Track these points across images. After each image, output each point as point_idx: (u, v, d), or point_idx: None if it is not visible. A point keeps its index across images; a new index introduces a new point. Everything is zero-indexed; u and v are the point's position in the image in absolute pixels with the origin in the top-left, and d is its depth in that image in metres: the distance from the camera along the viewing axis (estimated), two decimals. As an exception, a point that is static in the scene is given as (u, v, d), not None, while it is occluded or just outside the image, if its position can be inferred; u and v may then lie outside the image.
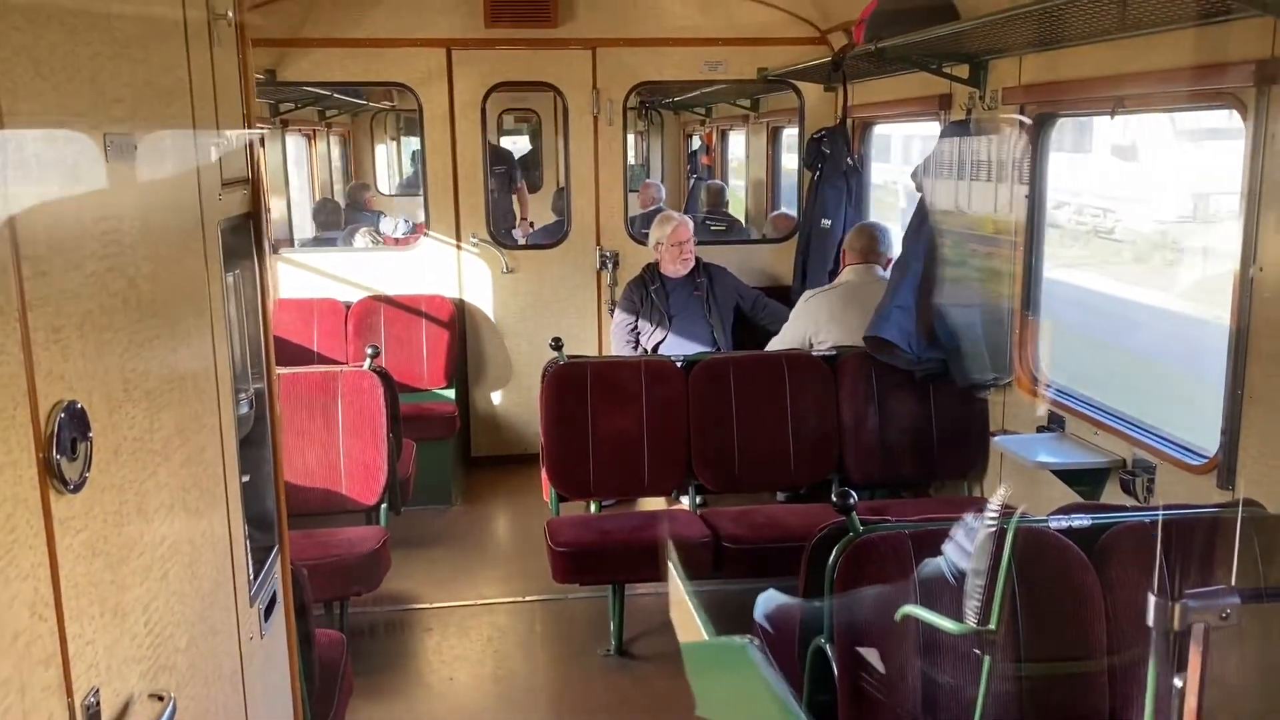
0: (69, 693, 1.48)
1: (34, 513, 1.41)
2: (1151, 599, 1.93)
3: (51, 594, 1.45)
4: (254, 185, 2.66)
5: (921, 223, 5.39)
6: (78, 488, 1.51)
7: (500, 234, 7.76)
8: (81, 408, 1.53)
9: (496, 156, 9.18)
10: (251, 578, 2.53)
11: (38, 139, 1.46)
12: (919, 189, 5.65)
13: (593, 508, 5.44)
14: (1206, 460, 3.72)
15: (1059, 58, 4.57)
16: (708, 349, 6.37)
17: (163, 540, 1.90)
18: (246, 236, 2.63)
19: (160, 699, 1.77)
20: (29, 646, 1.38)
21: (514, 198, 10.42)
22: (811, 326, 5.91)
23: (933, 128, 5.92)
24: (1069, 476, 4.43)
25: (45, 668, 1.42)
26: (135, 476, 1.77)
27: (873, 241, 6.06)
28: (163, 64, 2.00)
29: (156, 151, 1.94)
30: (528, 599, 5.57)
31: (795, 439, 5.37)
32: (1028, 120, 4.80)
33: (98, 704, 1.56)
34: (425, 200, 7.42)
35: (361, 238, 9.09)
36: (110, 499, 1.66)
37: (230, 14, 2.41)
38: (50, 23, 1.51)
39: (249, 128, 2.61)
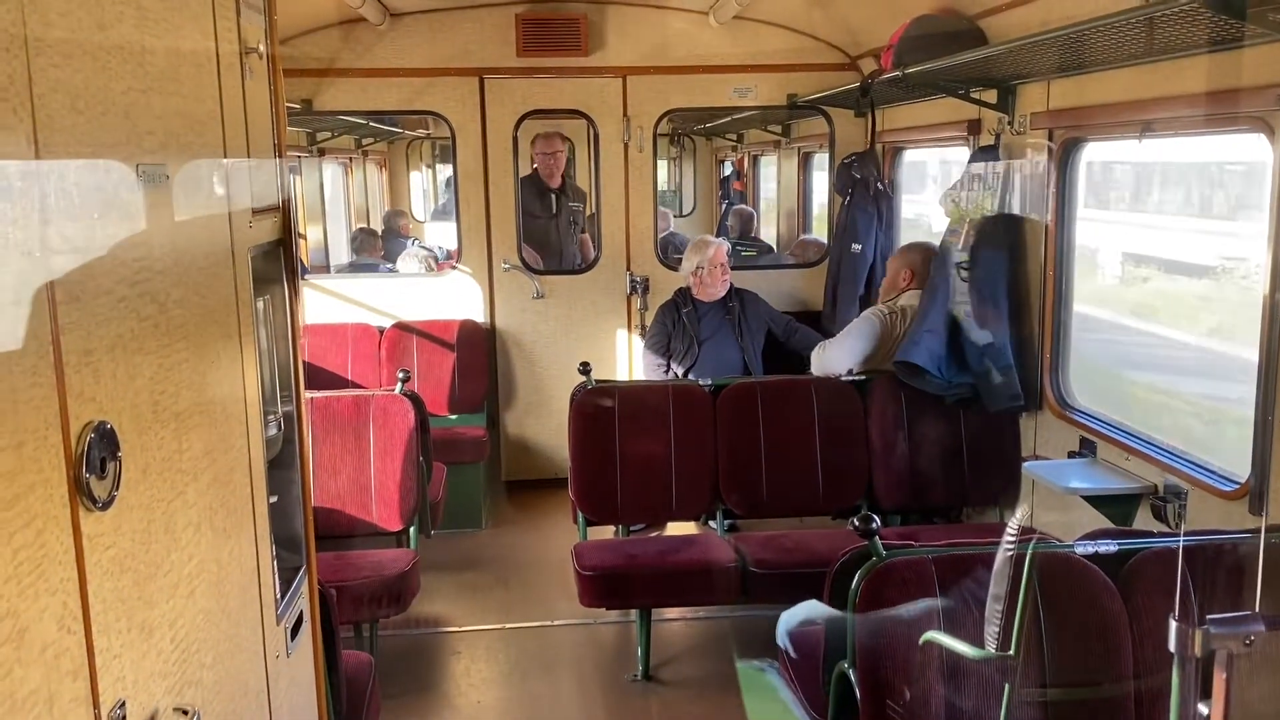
0: (95, 704, 1.53)
1: (64, 529, 1.46)
2: (1173, 624, 1.93)
3: (80, 608, 1.49)
4: (285, 212, 2.72)
5: (951, 247, 5.38)
6: (106, 505, 1.56)
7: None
8: (111, 428, 1.58)
9: (571, 193, 8.39)
10: (279, 597, 2.58)
11: (72, 170, 1.52)
12: (948, 214, 5.64)
13: (620, 532, 5.46)
14: (1238, 486, 3.68)
15: (1086, 82, 4.57)
16: (738, 374, 6.38)
17: (190, 558, 1.95)
18: (277, 262, 2.69)
19: (185, 713, 1.81)
20: (57, 659, 1.42)
21: (579, 238, 8.59)
22: (873, 346, 5.82)
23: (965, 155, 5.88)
24: (1100, 502, 4.40)
25: (73, 679, 1.47)
26: (163, 496, 1.82)
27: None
28: (195, 96, 2.07)
29: (188, 181, 2.01)
30: (556, 623, 5.58)
31: (824, 464, 5.36)
32: (1055, 145, 4.80)
33: (124, 716, 1.60)
34: (458, 226, 7.52)
35: (410, 260, 9.25)
36: (138, 517, 1.71)
37: (262, 47, 2.49)
38: (85, 59, 1.57)
39: (280, 157, 2.68)
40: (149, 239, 1.80)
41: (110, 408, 1.61)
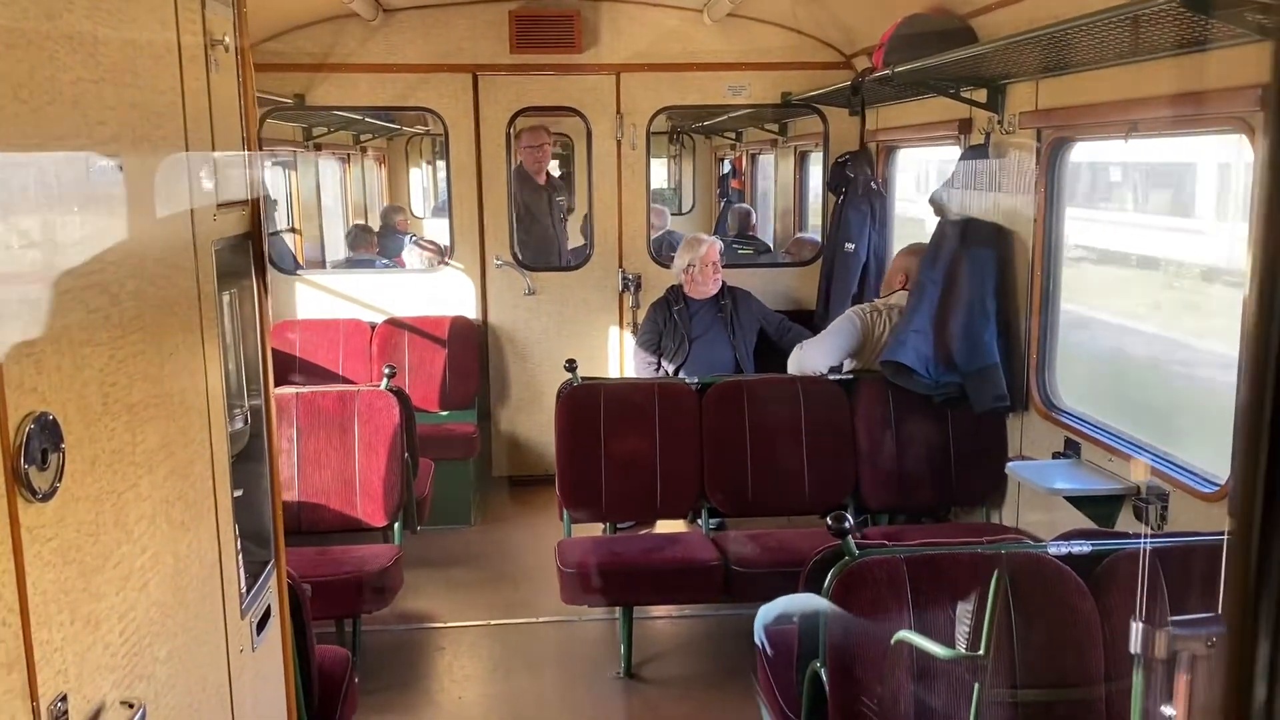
0: (34, 697, 1.52)
1: (0, 520, 1.45)
2: (1136, 625, 1.92)
3: (17, 600, 1.48)
4: (254, 206, 2.72)
5: (939, 247, 5.37)
6: (47, 497, 1.55)
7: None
8: (54, 419, 1.57)
9: (557, 186, 8.66)
10: (244, 591, 2.57)
11: (13, 161, 1.52)
12: (937, 213, 5.63)
13: (607, 530, 5.45)
14: (1218, 488, 3.67)
15: (1074, 82, 4.56)
16: (729, 372, 6.37)
17: (143, 550, 1.94)
18: (245, 255, 2.69)
19: (131, 706, 1.81)
20: None
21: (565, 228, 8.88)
22: (853, 344, 5.81)
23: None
24: (1083, 503, 4.38)
25: (8, 672, 1.46)
26: (114, 488, 1.82)
27: None
28: (153, 88, 2.06)
29: (145, 172, 2.00)
30: (540, 620, 5.58)
31: (810, 463, 5.35)
32: (1043, 144, 4.79)
33: (65, 710, 1.60)
34: (450, 222, 7.52)
35: (413, 254, 9.27)
36: (85, 509, 1.70)
37: (229, 39, 2.48)
38: (30, 49, 1.56)
39: (250, 150, 2.67)
40: (99, 230, 1.80)
41: (54, 398, 1.60)
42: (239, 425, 2.64)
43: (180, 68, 2.20)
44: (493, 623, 5.56)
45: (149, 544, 1.97)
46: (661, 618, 5.60)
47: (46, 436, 1.55)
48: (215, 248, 2.40)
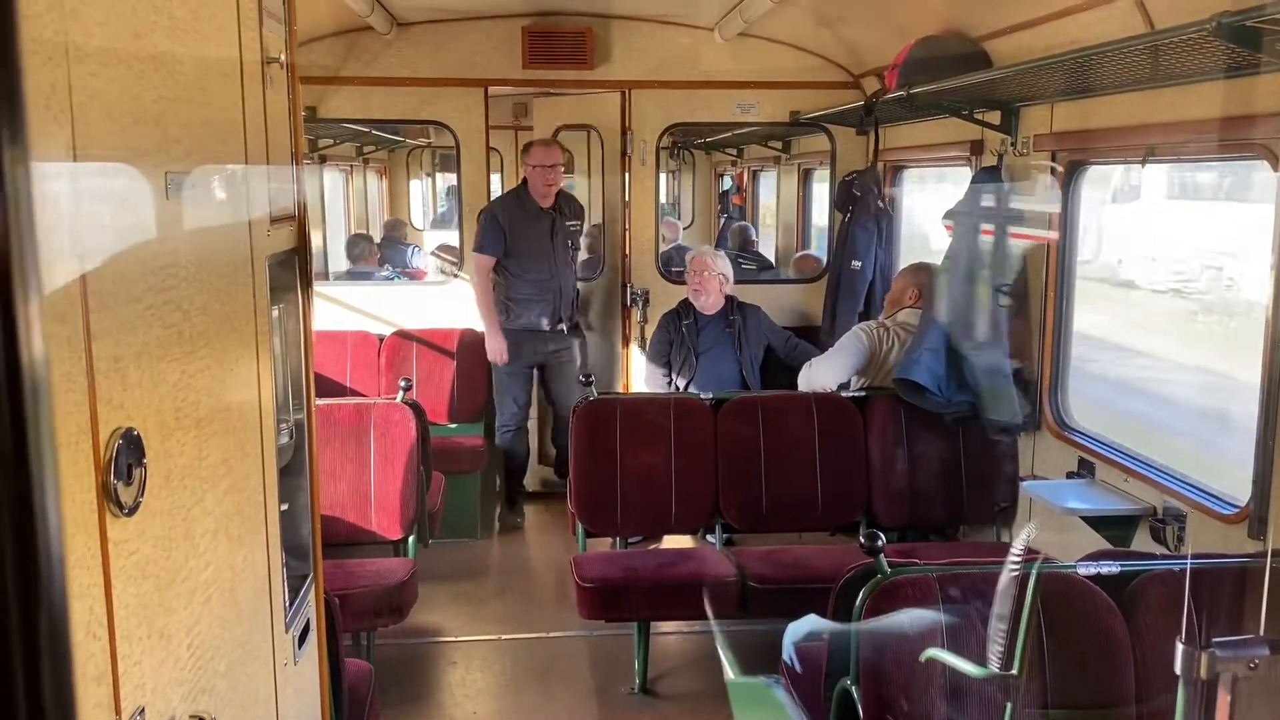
0: (118, 711, 1.53)
1: (91, 534, 1.46)
2: (1179, 646, 1.94)
3: (105, 614, 1.50)
4: (300, 221, 2.74)
5: (952, 266, 5.41)
6: (132, 511, 1.57)
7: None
8: (138, 434, 1.59)
9: (567, 209, 7.06)
10: (287, 605, 2.58)
11: (106, 177, 1.54)
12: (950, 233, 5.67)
13: (618, 544, 5.46)
14: (1238, 510, 3.70)
15: (1091, 106, 4.61)
16: (735, 388, 6.41)
17: (207, 565, 1.95)
18: (291, 270, 2.71)
19: None
20: (83, 664, 1.43)
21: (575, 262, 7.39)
22: (861, 362, 5.85)
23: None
24: (1099, 523, 4.42)
25: (97, 685, 1.47)
26: (184, 502, 1.83)
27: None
28: (220, 104, 2.08)
29: (211, 188, 2.02)
30: (553, 634, 5.58)
31: (823, 480, 5.38)
32: (1059, 167, 4.84)
33: None
34: (460, 235, 7.53)
35: (431, 262, 9.28)
36: (160, 523, 1.71)
37: (283, 56, 2.50)
38: (120, 68, 1.59)
39: (297, 164, 2.69)
40: (175, 246, 1.82)
41: (136, 414, 1.62)
42: (285, 439, 2.65)
43: (241, 84, 2.22)
44: (504, 637, 5.55)
45: (212, 558, 1.98)
46: (674, 633, 5.61)
47: (132, 451, 1.57)
48: (268, 262, 2.42)
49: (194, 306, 1.89)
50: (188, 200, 1.88)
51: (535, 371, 7.14)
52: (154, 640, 1.68)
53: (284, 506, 2.59)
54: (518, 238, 6.81)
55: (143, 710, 1.61)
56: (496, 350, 6.92)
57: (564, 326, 7.01)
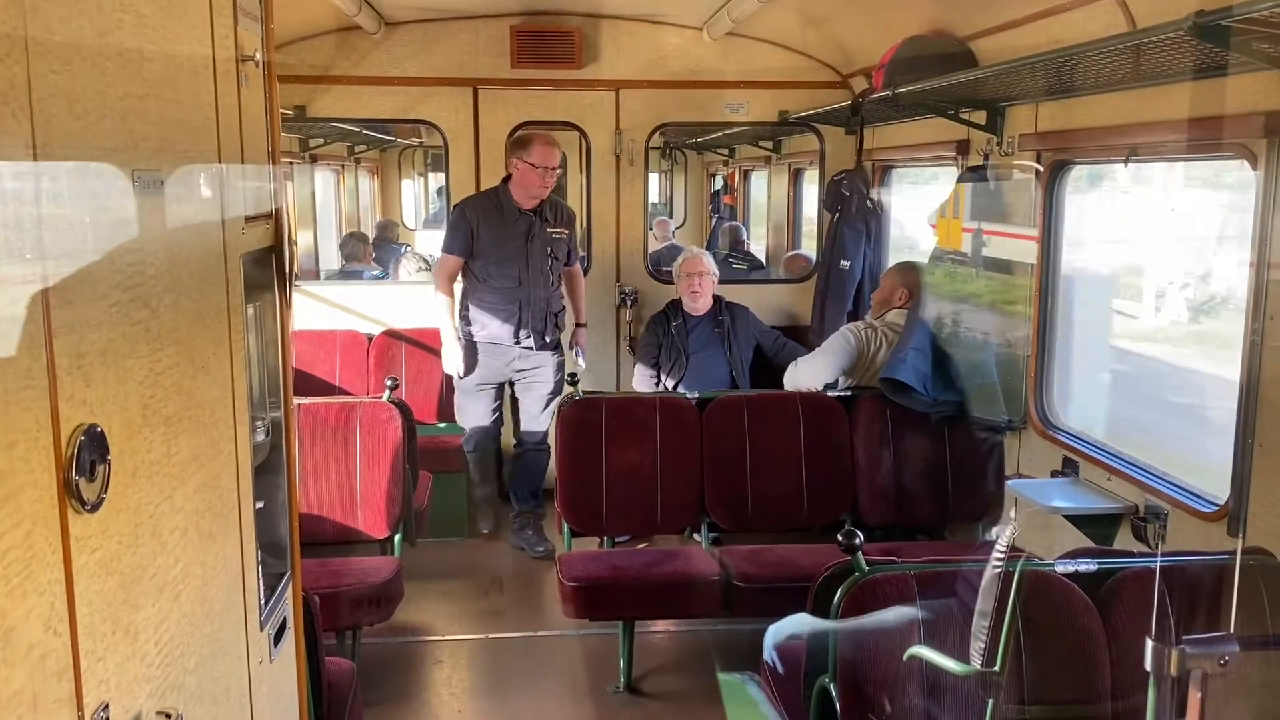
0: (80, 706, 1.53)
1: (52, 530, 1.46)
2: (1149, 643, 1.95)
3: (66, 610, 1.50)
4: (277, 220, 2.74)
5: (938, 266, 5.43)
6: (95, 508, 1.57)
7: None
8: (101, 431, 1.59)
9: (553, 215, 6.44)
10: (262, 603, 2.58)
11: (69, 174, 1.54)
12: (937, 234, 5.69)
13: (605, 544, 5.46)
14: (1218, 508, 3.72)
15: (1074, 106, 4.63)
16: (725, 388, 6.41)
17: (176, 562, 1.95)
18: (268, 269, 2.70)
19: (168, 717, 1.82)
20: (43, 660, 1.43)
21: (558, 274, 6.58)
22: (848, 362, 5.85)
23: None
24: (1082, 521, 4.43)
25: (58, 680, 1.47)
26: (151, 499, 1.83)
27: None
28: (192, 103, 2.08)
29: (183, 186, 2.02)
30: (539, 633, 5.58)
31: (809, 479, 5.39)
32: (1041, 167, 4.85)
33: (108, 718, 1.61)
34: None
35: (411, 262, 9.28)
36: (126, 520, 1.71)
37: (258, 54, 2.50)
38: (84, 64, 1.58)
39: (274, 164, 2.69)
40: (142, 244, 1.81)
41: (100, 411, 1.61)
42: (261, 437, 2.65)
43: (215, 83, 2.22)
44: (490, 636, 5.56)
45: (181, 555, 1.98)
46: (660, 632, 5.62)
47: (95, 448, 1.57)
48: (243, 261, 2.41)
49: (163, 304, 1.89)
50: (156, 198, 1.88)
51: (507, 388, 6.68)
52: (119, 636, 1.68)
53: (260, 504, 2.59)
54: (487, 239, 6.26)
55: (107, 706, 1.61)
56: (450, 361, 6.41)
57: (533, 343, 6.38)
